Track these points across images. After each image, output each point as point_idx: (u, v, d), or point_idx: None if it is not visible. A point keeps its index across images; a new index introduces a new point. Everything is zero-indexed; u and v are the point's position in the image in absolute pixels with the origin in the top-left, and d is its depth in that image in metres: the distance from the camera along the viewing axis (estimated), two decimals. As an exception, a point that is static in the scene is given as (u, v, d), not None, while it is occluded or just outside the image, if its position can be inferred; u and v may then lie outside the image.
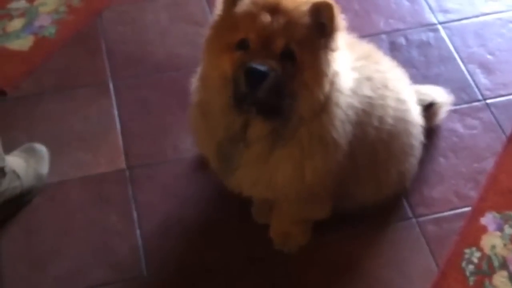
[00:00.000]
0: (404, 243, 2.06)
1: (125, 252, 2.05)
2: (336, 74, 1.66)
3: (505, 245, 2.05)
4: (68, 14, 2.70)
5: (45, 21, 2.67)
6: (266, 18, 1.57)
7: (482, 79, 2.47)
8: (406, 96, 1.99)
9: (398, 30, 2.64)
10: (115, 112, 2.40)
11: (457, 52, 2.56)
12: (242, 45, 1.60)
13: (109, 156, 2.27)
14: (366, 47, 1.96)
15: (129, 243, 2.07)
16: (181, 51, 2.57)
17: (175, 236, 2.09)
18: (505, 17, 2.67)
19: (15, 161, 2.11)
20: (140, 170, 2.24)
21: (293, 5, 1.60)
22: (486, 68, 2.50)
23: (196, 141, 1.99)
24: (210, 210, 2.14)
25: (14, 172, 2.07)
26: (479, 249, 2.03)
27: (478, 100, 2.41)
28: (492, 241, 2.05)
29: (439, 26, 2.65)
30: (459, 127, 2.33)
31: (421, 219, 2.11)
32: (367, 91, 1.80)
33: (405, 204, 2.14)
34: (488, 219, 2.10)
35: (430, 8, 2.72)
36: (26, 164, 2.14)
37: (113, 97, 2.44)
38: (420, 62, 2.52)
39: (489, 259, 2.01)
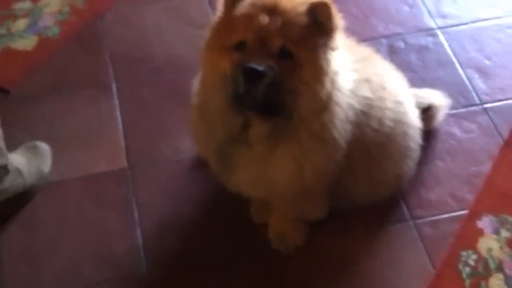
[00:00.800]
0: (401, 245, 2.07)
1: (125, 251, 2.06)
2: (336, 73, 1.68)
3: (501, 247, 2.05)
4: (71, 15, 2.71)
5: (48, 22, 2.68)
6: (264, 19, 1.59)
7: (480, 84, 2.48)
8: (404, 98, 2.00)
9: (397, 34, 2.65)
10: (116, 112, 2.41)
11: (455, 57, 2.57)
12: (240, 46, 1.62)
13: (109, 156, 2.28)
14: (365, 50, 1.98)
15: (128, 241, 2.08)
16: (181, 52, 2.58)
17: (174, 235, 2.10)
18: (502, 22, 2.69)
19: (18, 159, 2.12)
20: (140, 170, 2.25)
21: (290, 5, 1.61)
22: (484, 73, 2.51)
23: (196, 143, 2.01)
24: (209, 210, 2.15)
25: (17, 169, 2.08)
26: (476, 251, 2.04)
27: (476, 104, 2.42)
28: (488, 243, 2.06)
29: (438, 31, 2.66)
30: (456, 130, 2.34)
31: (418, 221, 2.12)
32: (366, 92, 1.81)
33: (403, 206, 2.15)
34: (485, 222, 2.11)
35: (429, 13, 2.74)
36: (28, 162, 2.15)
37: (114, 97, 2.45)
38: (419, 66, 2.54)
39: (485, 261, 2.02)
